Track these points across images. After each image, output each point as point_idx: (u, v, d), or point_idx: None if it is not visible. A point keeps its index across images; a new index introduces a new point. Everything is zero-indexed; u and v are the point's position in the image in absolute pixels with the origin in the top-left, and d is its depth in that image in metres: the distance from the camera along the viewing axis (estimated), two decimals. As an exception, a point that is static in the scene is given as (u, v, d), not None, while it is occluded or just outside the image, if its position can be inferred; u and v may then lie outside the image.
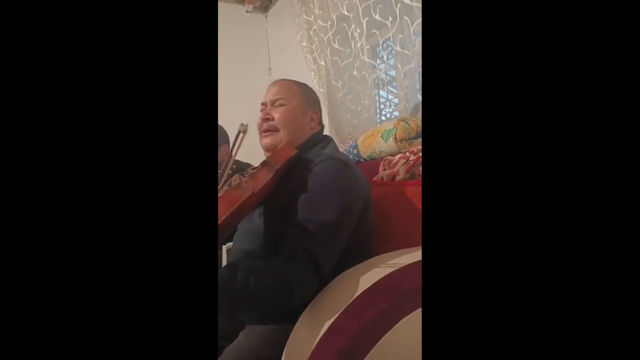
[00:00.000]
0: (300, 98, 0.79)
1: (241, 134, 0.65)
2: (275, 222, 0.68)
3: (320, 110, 0.84)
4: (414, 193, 0.85)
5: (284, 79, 0.83)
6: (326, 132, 1.65)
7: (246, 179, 0.64)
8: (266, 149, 0.78)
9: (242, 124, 0.65)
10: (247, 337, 0.70)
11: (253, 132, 0.87)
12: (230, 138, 1.28)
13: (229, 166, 0.64)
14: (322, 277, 0.61)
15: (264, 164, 0.67)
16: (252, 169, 0.74)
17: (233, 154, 0.65)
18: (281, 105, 0.77)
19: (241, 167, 1.22)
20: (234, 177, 0.66)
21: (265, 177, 0.64)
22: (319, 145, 0.79)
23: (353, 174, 0.70)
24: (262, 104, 0.80)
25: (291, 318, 0.61)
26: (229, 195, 0.58)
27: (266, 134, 0.77)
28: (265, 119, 0.77)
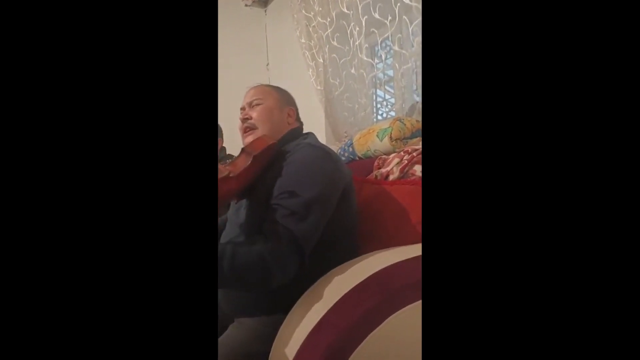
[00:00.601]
0: (275, 97, 0.83)
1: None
2: (258, 211, 0.69)
3: (296, 107, 0.86)
4: (407, 192, 0.86)
5: (259, 84, 0.87)
6: (322, 129, 1.68)
7: (225, 164, 0.65)
8: None
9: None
10: (236, 330, 0.70)
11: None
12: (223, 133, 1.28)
13: None
14: (302, 255, 0.61)
15: (242, 150, 0.69)
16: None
17: None
18: (258, 104, 0.81)
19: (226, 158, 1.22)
20: None
21: (243, 163, 0.65)
22: (300, 138, 0.81)
23: (332, 160, 0.71)
24: (241, 108, 0.83)
25: (280, 309, 0.62)
26: None
27: (246, 133, 0.80)
28: (244, 119, 0.81)
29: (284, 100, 0.84)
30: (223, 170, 0.61)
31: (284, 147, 0.76)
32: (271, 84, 0.89)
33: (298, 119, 0.86)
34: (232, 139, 0.76)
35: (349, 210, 0.75)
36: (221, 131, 1.26)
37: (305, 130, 0.87)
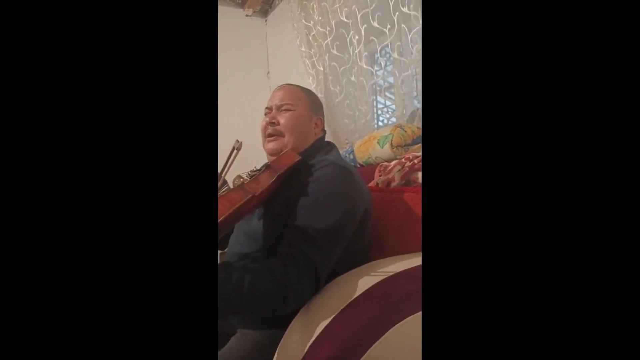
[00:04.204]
0: (306, 104, 0.80)
1: (235, 151, 0.64)
2: (275, 226, 0.68)
3: (323, 116, 0.85)
4: (409, 200, 0.85)
5: (289, 84, 0.84)
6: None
7: (248, 181, 0.63)
8: (270, 153, 0.78)
9: (237, 141, 0.64)
10: (238, 341, 0.69)
11: (248, 141, 0.87)
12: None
13: (220, 182, 0.63)
14: (318, 282, 0.60)
15: (267, 167, 0.66)
16: (254, 171, 0.72)
17: (225, 170, 0.64)
18: (287, 110, 0.78)
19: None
20: (236, 177, 0.65)
21: (267, 181, 0.63)
22: (323, 152, 0.78)
23: (355, 181, 0.70)
24: (267, 107, 0.81)
25: (283, 323, 0.61)
26: (230, 196, 0.57)
27: (271, 138, 0.77)
28: (271, 123, 0.78)
29: (313, 108, 0.81)
30: (248, 190, 0.59)
31: (308, 159, 0.74)
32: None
33: (323, 128, 0.84)
34: (230, 143, 0.72)
35: (366, 232, 0.74)
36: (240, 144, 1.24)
37: None
